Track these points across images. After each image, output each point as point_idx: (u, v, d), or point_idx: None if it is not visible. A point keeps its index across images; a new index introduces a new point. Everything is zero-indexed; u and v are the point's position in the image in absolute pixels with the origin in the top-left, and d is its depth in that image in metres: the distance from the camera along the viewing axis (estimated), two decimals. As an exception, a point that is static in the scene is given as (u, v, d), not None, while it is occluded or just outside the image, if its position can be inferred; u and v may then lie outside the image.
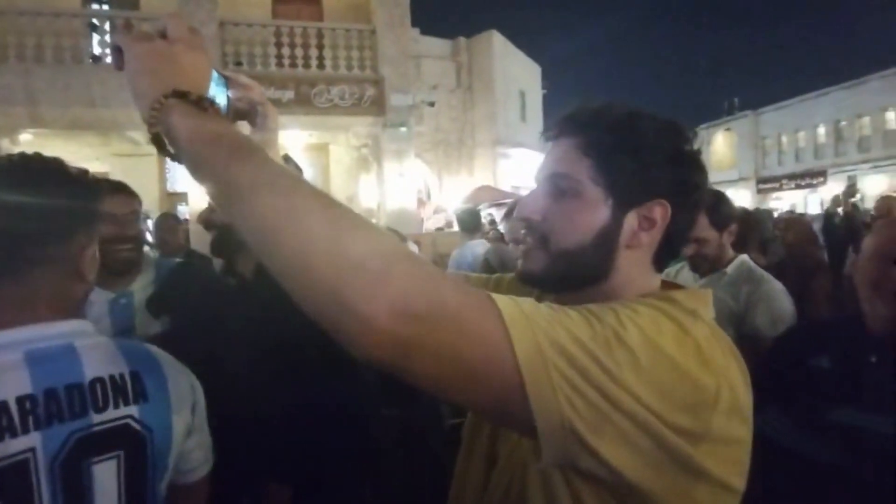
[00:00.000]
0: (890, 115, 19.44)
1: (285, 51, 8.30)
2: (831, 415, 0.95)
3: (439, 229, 9.56)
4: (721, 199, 1.81)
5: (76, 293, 0.83)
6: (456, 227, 4.82)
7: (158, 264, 1.77)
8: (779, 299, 1.69)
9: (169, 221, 4.28)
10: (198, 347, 1.13)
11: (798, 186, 22.19)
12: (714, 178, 24.26)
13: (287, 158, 0.92)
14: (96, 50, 8.01)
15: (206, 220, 1.48)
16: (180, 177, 9.59)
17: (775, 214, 7.68)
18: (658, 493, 0.51)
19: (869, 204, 10.70)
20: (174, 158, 0.57)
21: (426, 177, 12.85)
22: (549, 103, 17.49)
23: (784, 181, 23.03)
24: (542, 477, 0.60)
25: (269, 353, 1.29)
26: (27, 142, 8.39)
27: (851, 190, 5.37)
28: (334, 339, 0.46)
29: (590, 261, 0.64)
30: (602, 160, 0.64)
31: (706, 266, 1.81)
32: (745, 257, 1.82)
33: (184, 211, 9.02)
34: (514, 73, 14.69)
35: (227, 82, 0.78)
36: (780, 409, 1.02)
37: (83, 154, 9.51)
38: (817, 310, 2.54)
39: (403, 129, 8.87)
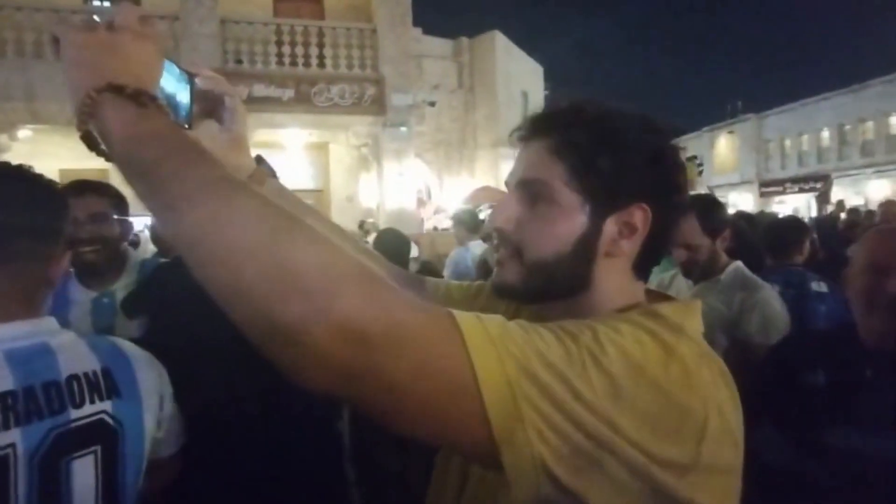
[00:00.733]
0: (893, 119, 19.35)
1: (286, 49, 8.29)
2: (827, 435, 0.90)
3: (445, 230, 9.51)
4: (713, 204, 1.78)
5: (43, 294, 0.85)
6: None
7: (143, 264, 1.75)
8: (773, 307, 1.66)
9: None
10: (174, 349, 1.10)
11: (801, 190, 22.10)
12: (716, 181, 24.21)
13: (260, 159, 0.88)
14: (96, 46, 8.00)
15: None
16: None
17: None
18: None
19: (873, 208, 10.63)
20: (109, 159, 0.53)
21: (427, 177, 12.81)
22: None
23: (787, 185, 22.95)
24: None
25: (247, 357, 1.26)
26: (26, 137, 8.38)
27: (825, 195, 5.05)
28: (273, 364, 0.41)
29: (568, 272, 0.59)
30: (577, 163, 0.58)
31: (699, 273, 1.77)
32: (739, 264, 1.78)
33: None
34: (517, 73, 14.65)
35: (192, 78, 0.74)
36: (773, 428, 0.98)
37: (82, 151, 9.47)
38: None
39: (403, 128, 8.85)
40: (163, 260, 2.02)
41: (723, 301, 1.69)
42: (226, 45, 8.13)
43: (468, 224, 4.10)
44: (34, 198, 0.82)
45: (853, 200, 17.43)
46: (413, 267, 3.37)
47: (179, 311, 1.49)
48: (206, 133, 0.78)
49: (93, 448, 0.79)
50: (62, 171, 9.79)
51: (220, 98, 0.79)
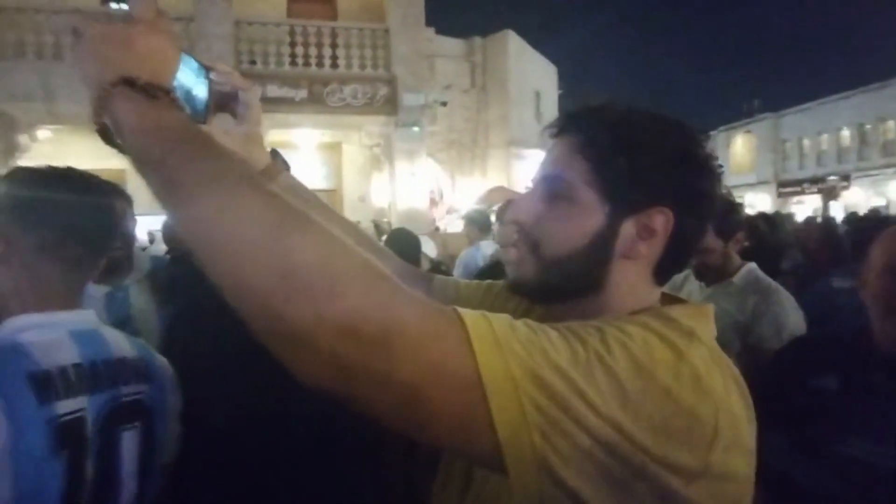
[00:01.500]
0: (915, 118, 18.95)
1: (299, 50, 8.33)
2: (838, 445, 0.88)
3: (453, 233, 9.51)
4: (726, 206, 1.75)
5: (81, 289, 0.95)
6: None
7: (154, 261, 1.83)
8: (787, 311, 1.62)
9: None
10: (211, 328, 1.14)
11: (820, 191, 21.74)
12: (732, 181, 23.89)
13: (274, 153, 0.88)
14: (114, 48, 8.11)
15: None
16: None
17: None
18: None
19: (894, 210, 10.39)
20: (123, 152, 0.53)
21: (439, 177, 12.81)
22: (564, 105, 17.30)
23: (805, 185, 22.57)
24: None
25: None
26: (45, 138, 8.54)
27: (832, 192, 4.65)
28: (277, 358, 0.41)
29: (582, 270, 0.59)
30: (598, 162, 0.58)
31: (711, 275, 1.75)
32: (752, 266, 1.75)
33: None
34: (530, 73, 14.58)
35: (209, 73, 0.74)
36: (783, 437, 0.95)
37: (99, 151, 9.62)
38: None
39: (416, 128, 8.85)
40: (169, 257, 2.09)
41: (736, 304, 1.66)
42: (239, 45, 8.20)
43: (480, 224, 4.09)
44: (100, 211, 0.91)
45: (874, 201, 17.10)
46: (425, 266, 3.37)
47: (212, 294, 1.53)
48: (221, 127, 0.79)
49: (136, 423, 0.89)
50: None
51: (235, 93, 0.79)
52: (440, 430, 0.44)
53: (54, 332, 0.83)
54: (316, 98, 8.32)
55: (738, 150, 26.14)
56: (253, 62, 8.19)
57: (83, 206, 0.87)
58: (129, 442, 0.87)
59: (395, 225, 7.03)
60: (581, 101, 0.64)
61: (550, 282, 0.60)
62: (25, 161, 8.29)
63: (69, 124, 8.30)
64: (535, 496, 0.44)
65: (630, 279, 0.60)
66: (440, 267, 3.67)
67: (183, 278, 1.69)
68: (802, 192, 22.72)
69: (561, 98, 17.21)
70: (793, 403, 0.99)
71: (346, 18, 9.71)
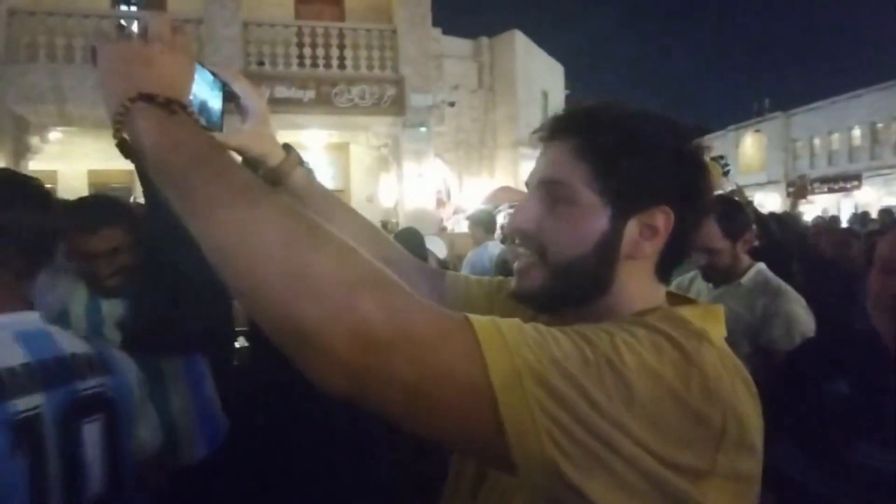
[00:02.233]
0: (929, 117, 18.72)
1: (307, 51, 8.37)
2: (849, 451, 0.87)
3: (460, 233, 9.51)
4: (734, 206, 1.74)
5: (28, 290, 0.99)
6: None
7: None
8: (797, 312, 1.60)
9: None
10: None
11: (831, 190, 21.49)
12: (742, 180, 23.66)
13: (288, 148, 0.89)
14: (124, 50, 8.19)
15: None
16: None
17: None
18: None
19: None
20: (141, 165, 0.54)
21: (446, 177, 12.82)
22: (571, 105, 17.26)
23: (816, 185, 22.34)
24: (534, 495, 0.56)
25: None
26: (56, 139, 8.63)
27: (801, 190, 4.33)
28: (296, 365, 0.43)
29: (590, 273, 0.59)
30: (598, 164, 0.58)
31: (719, 277, 1.73)
32: (761, 266, 1.73)
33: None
34: (537, 73, 14.56)
35: (223, 82, 0.75)
36: (793, 441, 0.94)
37: (110, 152, 9.70)
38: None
39: (423, 129, 8.86)
40: None
41: (745, 306, 1.64)
42: (248, 47, 8.25)
43: (485, 224, 4.09)
44: (36, 214, 0.93)
45: (886, 201, 16.90)
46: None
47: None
48: (231, 126, 0.79)
49: (98, 415, 0.91)
50: (91, 172, 10.07)
51: (238, 96, 0.80)
52: (450, 431, 0.46)
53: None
54: (324, 99, 8.35)
55: (747, 149, 25.92)
56: (261, 63, 8.24)
57: (19, 210, 0.89)
58: (92, 434, 0.89)
59: (402, 225, 7.04)
60: (571, 103, 0.65)
61: (558, 288, 0.60)
62: (37, 162, 8.40)
63: (79, 126, 8.39)
64: (545, 496, 0.46)
65: (635, 279, 0.60)
66: (447, 267, 3.67)
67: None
68: (812, 192, 22.49)
69: (568, 98, 17.17)
70: (802, 407, 0.98)
71: (353, 19, 9.74)
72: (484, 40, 13.72)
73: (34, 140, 8.09)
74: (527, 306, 0.67)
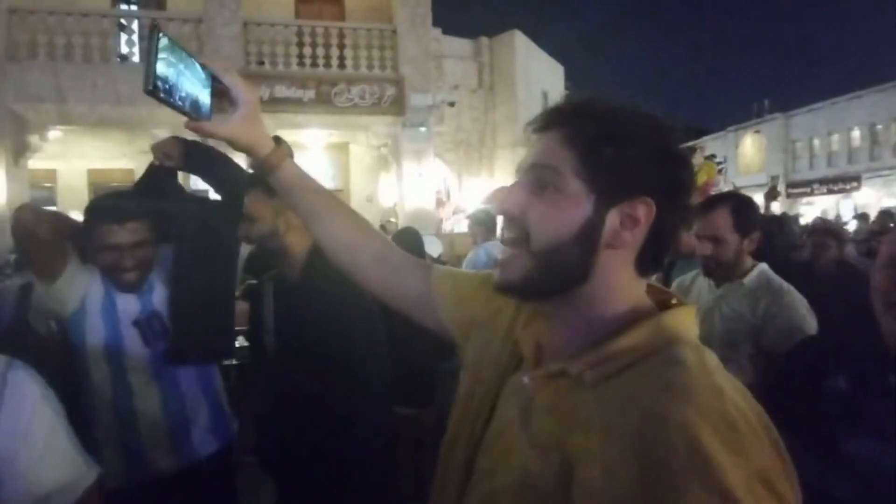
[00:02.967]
0: (929, 118, 18.71)
1: (307, 50, 8.37)
2: (848, 445, 0.87)
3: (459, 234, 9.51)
4: (748, 203, 1.75)
5: None
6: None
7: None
8: (799, 313, 1.59)
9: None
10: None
11: (830, 191, 21.51)
12: (742, 181, 23.66)
13: (278, 140, 0.91)
14: (124, 49, 8.19)
15: (244, 234, 1.55)
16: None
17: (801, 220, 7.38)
18: None
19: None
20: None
21: (446, 177, 12.81)
22: (571, 104, 17.24)
23: (815, 186, 22.35)
24: (519, 498, 0.58)
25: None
26: (56, 138, 8.62)
27: (773, 191, 4.57)
28: None
29: (570, 260, 0.60)
30: (584, 152, 0.60)
31: (720, 272, 1.72)
32: (764, 267, 1.72)
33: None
34: (537, 73, 14.56)
35: (212, 75, 0.76)
36: (791, 435, 0.94)
37: (109, 151, 9.74)
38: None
39: (423, 129, 8.86)
40: None
41: (747, 306, 1.63)
42: (248, 46, 8.24)
43: (486, 224, 4.08)
44: None
45: (885, 202, 16.91)
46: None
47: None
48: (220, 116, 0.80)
49: None
50: (90, 171, 10.06)
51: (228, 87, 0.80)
52: None
53: None
54: (324, 98, 8.35)
55: (747, 150, 25.92)
56: (261, 63, 8.23)
57: None
58: None
59: (402, 225, 7.04)
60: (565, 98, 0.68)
61: (540, 275, 0.61)
62: (36, 160, 8.39)
63: (79, 125, 8.37)
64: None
65: (615, 269, 0.62)
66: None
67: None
68: (812, 193, 22.51)
69: (567, 98, 17.14)
70: (802, 404, 0.98)
71: (353, 19, 9.74)
72: (484, 40, 13.72)
73: (34, 138, 8.08)
74: (510, 297, 0.69)
